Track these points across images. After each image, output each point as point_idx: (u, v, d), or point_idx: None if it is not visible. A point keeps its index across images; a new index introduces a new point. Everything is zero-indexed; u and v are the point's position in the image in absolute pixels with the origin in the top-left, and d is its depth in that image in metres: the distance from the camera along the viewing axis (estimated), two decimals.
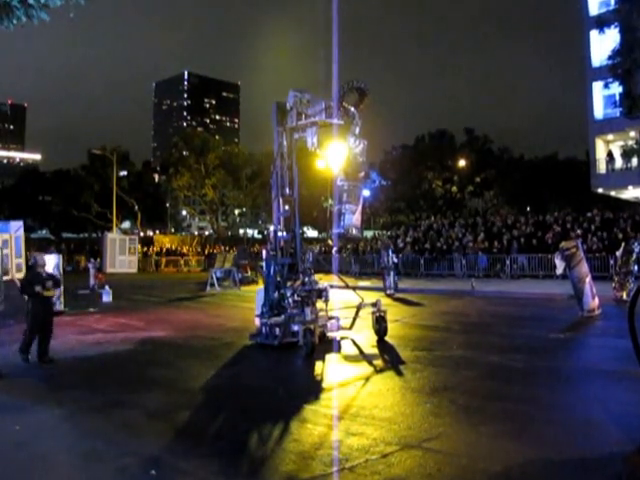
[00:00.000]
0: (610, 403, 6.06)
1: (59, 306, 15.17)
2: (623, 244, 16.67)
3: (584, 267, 13.13)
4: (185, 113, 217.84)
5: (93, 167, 55.12)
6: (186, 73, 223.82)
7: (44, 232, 63.07)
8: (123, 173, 56.87)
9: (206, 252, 34.09)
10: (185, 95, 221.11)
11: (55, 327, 12.75)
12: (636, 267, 15.18)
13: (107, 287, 19.20)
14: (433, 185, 54.91)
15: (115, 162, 46.87)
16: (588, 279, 12.95)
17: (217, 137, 67.15)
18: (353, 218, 8.72)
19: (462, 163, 51.54)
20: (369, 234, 54.92)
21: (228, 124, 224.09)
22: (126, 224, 61.02)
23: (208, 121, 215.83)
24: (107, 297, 18.53)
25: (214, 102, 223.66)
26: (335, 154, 10.59)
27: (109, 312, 15.56)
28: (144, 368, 8.56)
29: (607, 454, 4.59)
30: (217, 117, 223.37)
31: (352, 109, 9.90)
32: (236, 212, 65.98)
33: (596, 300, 12.83)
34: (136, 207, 54.73)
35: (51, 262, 15.32)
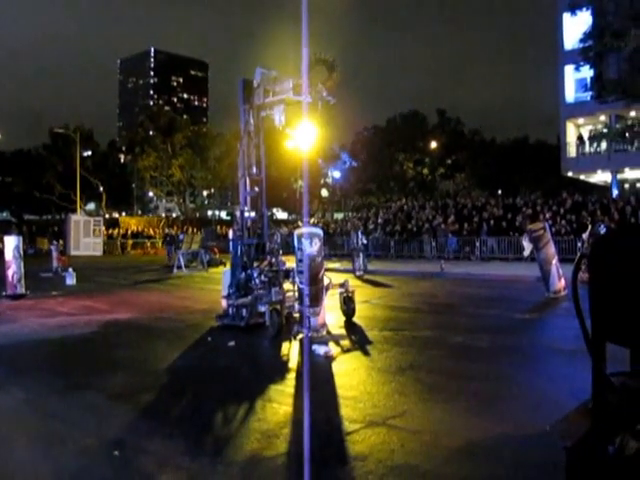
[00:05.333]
0: (571, 380, 6.18)
1: (20, 289, 14.82)
2: (590, 227, 17.02)
3: (551, 249, 13.34)
4: (152, 91, 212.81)
5: (55, 147, 53.65)
6: (152, 50, 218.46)
7: (5, 214, 61.50)
8: (87, 153, 55.58)
9: (165, 232, 33.60)
10: (152, 73, 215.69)
11: (16, 311, 12.57)
12: None
13: (71, 270, 18.79)
14: (404, 167, 55.02)
15: (79, 141, 45.73)
16: (555, 261, 13.17)
17: (185, 116, 65.97)
18: (318, 319, 8.85)
19: (434, 145, 51.73)
20: (339, 216, 55.05)
21: (196, 103, 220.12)
22: (91, 206, 59.93)
23: (175, 100, 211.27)
24: (71, 280, 18.13)
25: (182, 80, 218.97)
26: (304, 134, 10.47)
27: (73, 295, 15.25)
28: (108, 350, 8.42)
29: None
30: (185, 96, 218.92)
31: (320, 85, 9.73)
32: (204, 193, 65.28)
33: (562, 281, 13.05)
34: (101, 188, 53.68)
35: (10, 244, 14.96)
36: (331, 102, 9.82)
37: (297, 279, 9.13)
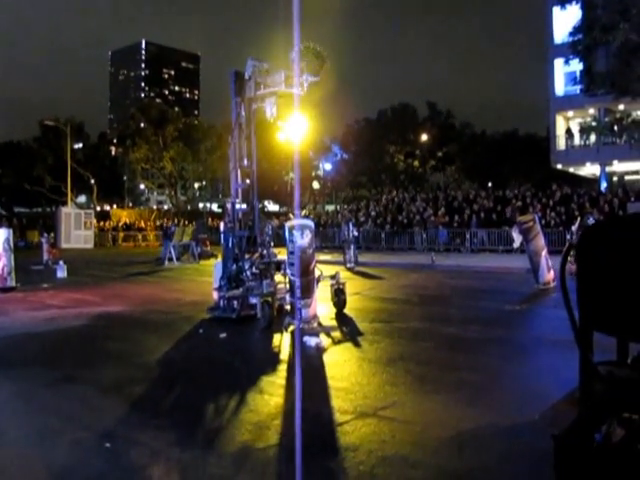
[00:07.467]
0: (561, 371, 6.23)
1: (10, 282, 14.73)
2: (578, 219, 17.13)
3: (540, 241, 13.42)
4: (143, 84, 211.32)
5: (46, 139, 53.04)
6: (143, 42, 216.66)
7: None
8: (78, 145, 55.12)
9: (161, 224, 33.30)
10: (143, 65, 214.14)
11: (7, 303, 12.50)
12: None
13: (61, 262, 18.68)
14: (395, 159, 55.04)
15: (69, 134, 45.31)
16: (544, 252, 13.25)
17: (176, 109, 65.56)
18: (309, 311, 8.88)
19: (424, 137, 51.71)
20: (330, 208, 55.03)
21: (187, 95, 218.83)
22: (82, 198, 59.54)
23: (167, 92, 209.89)
24: (61, 272, 18.03)
25: (173, 73, 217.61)
26: (295, 126, 10.47)
27: (63, 288, 15.18)
28: (99, 343, 8.40)
29: None
30: (176, 88, 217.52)
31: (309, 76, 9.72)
32: (196, 186, 64.97)
33: (552, 273, 13.12)
34: (92, 180, 53.30)
35: (1, 237, 14.85)
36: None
37: (288, 271, 9.14)
